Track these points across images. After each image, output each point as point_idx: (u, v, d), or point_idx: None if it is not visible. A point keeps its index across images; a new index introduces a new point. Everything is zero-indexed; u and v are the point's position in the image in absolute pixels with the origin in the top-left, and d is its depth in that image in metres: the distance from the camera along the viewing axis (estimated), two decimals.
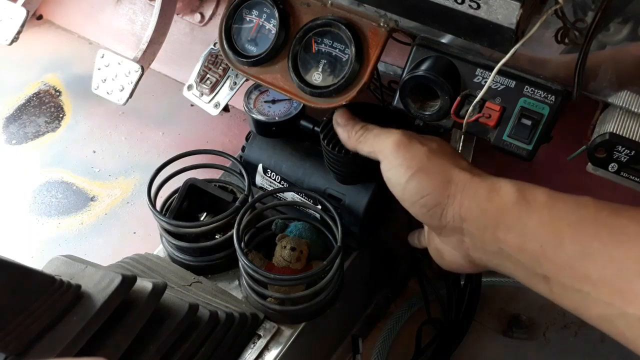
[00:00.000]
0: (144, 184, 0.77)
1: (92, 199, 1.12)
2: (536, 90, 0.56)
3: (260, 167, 0.82)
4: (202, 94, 0.91)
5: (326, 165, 0.73)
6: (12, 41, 1.12)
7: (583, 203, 0.48)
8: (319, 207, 0.75)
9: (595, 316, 0.45)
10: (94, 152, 1.20)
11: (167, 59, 1.16)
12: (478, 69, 0.58)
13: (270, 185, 0.82)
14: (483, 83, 0.58)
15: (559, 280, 0.47)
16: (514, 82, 0.57)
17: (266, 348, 0.69)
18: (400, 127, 0.60)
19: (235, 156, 0.81)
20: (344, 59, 0.63)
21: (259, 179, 0.83)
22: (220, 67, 0.90)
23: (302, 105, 0.77)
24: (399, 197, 0.57)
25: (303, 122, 0.78)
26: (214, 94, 0.91)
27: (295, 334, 0.70)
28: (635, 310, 0.42)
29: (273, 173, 0.81)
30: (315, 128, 0.77)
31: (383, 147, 0.58)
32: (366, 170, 0.72)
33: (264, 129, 0.79)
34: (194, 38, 1.20)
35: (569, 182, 0.73)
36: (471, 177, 0.53)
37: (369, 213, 0.74)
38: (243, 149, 0.84)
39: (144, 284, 0.58)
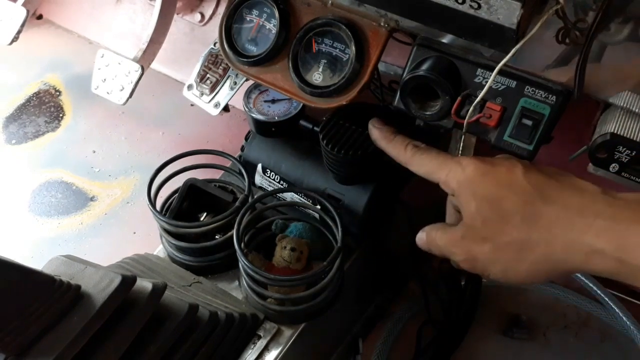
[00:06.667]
0: (144, 184, 0.77)
1: (92, 199, 1.12)
2: (537, 91, 0.56)
3: (259, 166, 0.81)
4: (202, 94, 0.91)
5: (325, 165, 0.73)
6: (12, 41, 1.12)
7: None
8: (319, 207, 0.75)
9: None
10: (94, 152, 1.19)
11: (167, 59, 1.16)
12: (479, 69, 0.58)
13: (269, 185, 0.82)
14: (484, 83, 0.57)
15: None
16: (515, 82, 0.56)
17: (266, 348, 0.69)
18: (402, 127, 0.59)
19: (235, 156, 0.81)
20: (345, 59, 0.63)
21: (258, 179, 0.83)
22: (221, 67, 0.89)
23: (301, 105, 0.77)
24: None
25: (303, 122, 0.78)
26: (214, 93, 0.90)
27: (296, 334, 0.70)
28: None
29: (272, 173, 0.81)
30: (315, 128, 0.76)
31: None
32: (365, 171, 0.72)
33: (263, 129, 0.79)
34: (194, 38, 1.20)
35: None
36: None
37: (368, 213, 0.74)
38: (242, 148, 0.83)
39: (144, 285, 0.58)
